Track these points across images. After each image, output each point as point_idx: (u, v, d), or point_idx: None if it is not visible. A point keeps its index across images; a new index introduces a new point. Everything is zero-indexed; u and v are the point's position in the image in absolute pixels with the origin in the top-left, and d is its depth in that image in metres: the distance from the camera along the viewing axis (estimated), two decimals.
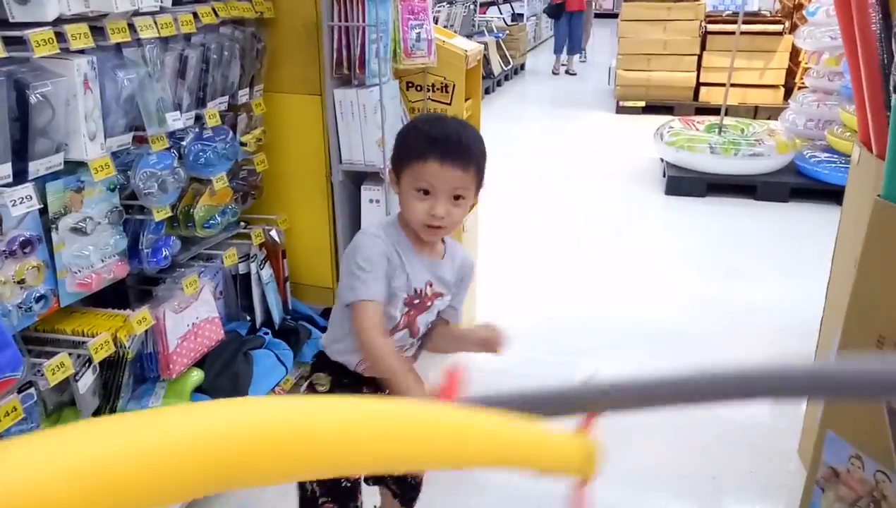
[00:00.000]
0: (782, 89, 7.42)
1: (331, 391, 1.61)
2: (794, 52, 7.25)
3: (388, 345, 1.39)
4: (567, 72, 11.06)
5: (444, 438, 0.70)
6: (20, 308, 1.61)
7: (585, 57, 12.03)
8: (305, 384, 1.67)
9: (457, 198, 1.41)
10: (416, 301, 1.50)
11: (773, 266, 4.05)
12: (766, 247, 4.35)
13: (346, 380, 1.59)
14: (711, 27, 7.59)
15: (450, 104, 2.82)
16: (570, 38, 10.82)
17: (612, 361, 2.97)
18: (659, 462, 2.43)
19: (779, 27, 7.31)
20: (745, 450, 2.50)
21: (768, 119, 6.52)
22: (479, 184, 1.46)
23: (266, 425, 0.56)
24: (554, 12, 10.87)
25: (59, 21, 1.55)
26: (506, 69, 10.06)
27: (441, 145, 1.38)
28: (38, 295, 1.64)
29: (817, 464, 1.84)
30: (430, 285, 1.51)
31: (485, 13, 11.33)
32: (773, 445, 2.52)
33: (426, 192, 1.39)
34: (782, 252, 4.26)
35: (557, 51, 11.10)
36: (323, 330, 2.76)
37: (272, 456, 0.55)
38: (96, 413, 1.96)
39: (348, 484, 1.62)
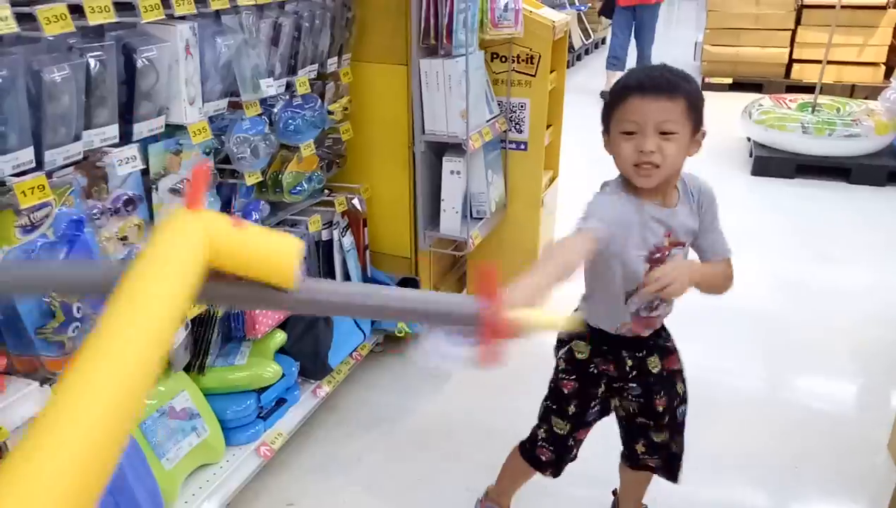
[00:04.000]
0: (883, 67, 7.02)
1: (590, 359, 1.66)
2: None
3: (549, 251, 1.39)
4: None
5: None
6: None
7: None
8: (565, 348, 1.71)
9: (665, 134, 1.35)
10: (657, 255, 1.49)
11: (866, 252, 3.87)
12: (858, 232, 4.16)
13: (605, 346, 1.64)
14: (808, 0, 7.22)
15: (534, 75, 2.79)
16: (639, 43, 7.15)
17: (693, 342, 2.92)
18: (739, 447, 2.38)
19: (882, 0, 6.90)
20: (829, 440, 2.42)
21: (865, 98, 6.18)
22: (694, 121, 1.39)
23: None
24: (609, 6, 7.47)
25: None
26: (586, 43, 9.84)
27: (642, 81, 1.36)
28: (138, 251, 1.72)
29: None
30: (668, 236, 1.49)
31: None
32: (859, 437, 2.43)
33: (631, 134, 1.37)
34: (876, 238, 4.06)
35: (612, 66, 7.22)
36: None
37: None
38: (186, 368, 2.06)
39: (572, 443, 1.75)
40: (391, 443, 2.44)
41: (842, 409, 2.62)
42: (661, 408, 1.69)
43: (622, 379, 1.67)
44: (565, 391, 1.71)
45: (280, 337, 2.34)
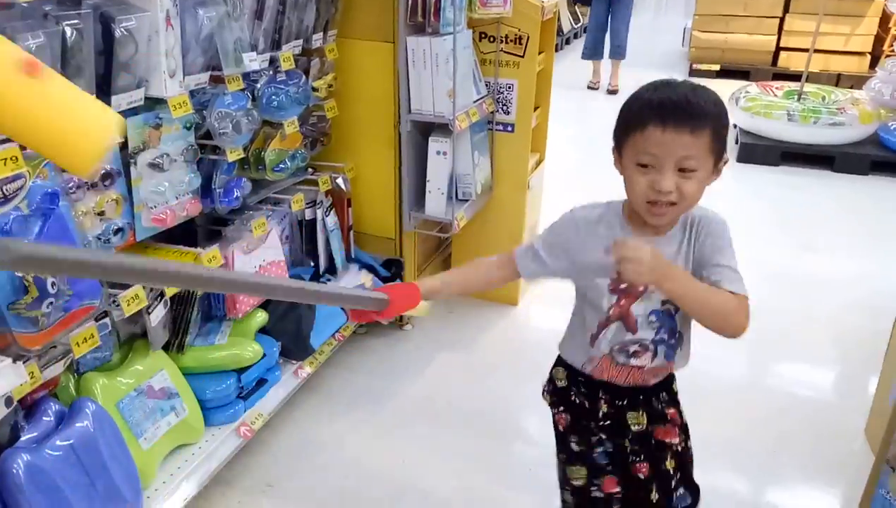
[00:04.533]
0: (868, 57, 7.05)
1: (569, 387, 1.51)
2: (885, 18, 6.86)
3: (471, 263, 1.48)
4: (609, 90, 7.04)
5: None
6: (99, 239, 1.65)
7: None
8: (547, 379, 1.57)
9: (684, 170, 1.20)
10: (622, 285, 1.32)
11: (849, 241, 3.89)
12: (842, 220, 4.19)
13: (581, 378, 1.48)
14: None
15: (522, 56, 2.76)
16: (612, 33, 6.86)
17: None
18: (717, 432, 2.38)
19: None
20: (808, 426, 2.44)
21: (851, 87, 6.20)
22: (717, 154, 1.24)
23: None
24: None
25: None
26: (575, 27, 9.80)
27: (664, 108, 1.19)
28: (115, 227, 1.68)
29: (888, 443, 1.78)
30: None
31: None
32: (838, 423, 2.45)
33: (648, 166, 1.22)
34: (860, 227, 4.09)
35: (588, 54, 7.05)
36: (384, 279, 2.78)
37: None
38: (165, 346, 2.03)
39: (599, 493, 1.50)
40: (374, 425, 2.42)
41: (822, 396, 2.64)
42: (642, 475, 1.46)
43: (593, 420, 1.48)
44: (561, 428, 1.54)
45: (261, 317, 2.31)
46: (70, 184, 1.52)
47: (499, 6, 2.56)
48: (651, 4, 14.91)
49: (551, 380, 1.56)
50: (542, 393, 1.59)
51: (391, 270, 2.85)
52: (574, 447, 1.51)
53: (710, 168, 1.25)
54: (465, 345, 2.88)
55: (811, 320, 3.08)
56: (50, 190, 1.39)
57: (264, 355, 2.24)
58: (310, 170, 2.59)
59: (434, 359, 2.76)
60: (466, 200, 2.79)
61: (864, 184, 4.75)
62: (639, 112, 1.23)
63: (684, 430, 1.50)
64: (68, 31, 1.40)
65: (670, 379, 1.50)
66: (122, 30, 1.52)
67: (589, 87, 7.20)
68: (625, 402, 1.45)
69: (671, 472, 1.45)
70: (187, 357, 2.09)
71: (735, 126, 5.42)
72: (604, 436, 1.49)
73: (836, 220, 4.19)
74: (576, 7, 9.77)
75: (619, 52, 6.92)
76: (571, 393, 1.51)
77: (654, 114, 1.20)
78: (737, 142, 5.23)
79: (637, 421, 1.45)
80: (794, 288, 3.35)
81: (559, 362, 1.54)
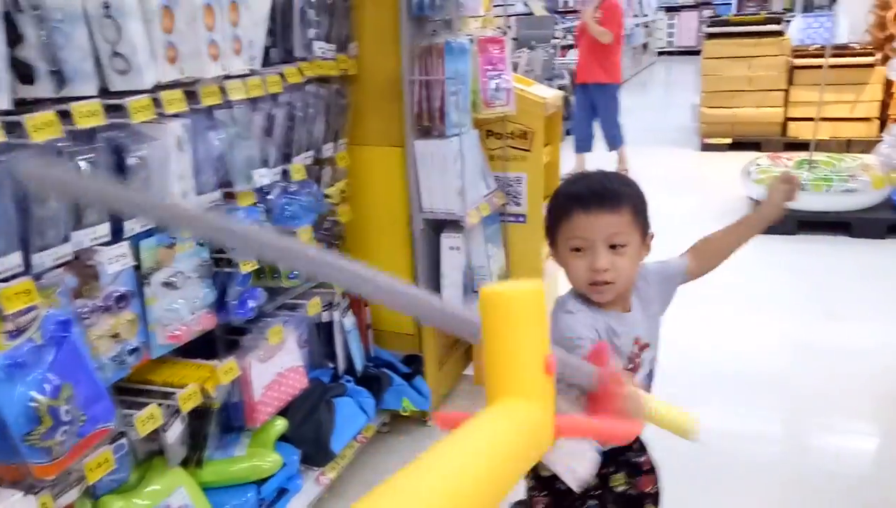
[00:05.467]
0: (877, 122, 7.09)
1: (553, 477, 1.46)
2: (889, 84, 6.93)
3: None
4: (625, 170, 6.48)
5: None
6: (114, 361, 1.66)
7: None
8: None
9: (615, 247, 1.31)
10: (630, 366, 1.41)
11: (872, 306, 3.82)
12: (863, 286, 4.12)
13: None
14: (798, 61, 7.36)
15: (529, 150, 2.82)
16: (603, 125, 6.61)
17: (706, 406, 2.86)
18: None
19: (870, 59, 7.02)
20: (846, 503, 2.34)
21: (862, 153, 6.22)
22: (642, 228, 1.36)
23: None
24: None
25: (156, 88, 1.63)
26: None
27: (584, 196, 1.32)
28: (130, 348, 1.70)
29: None
30: (637, 341, 1.41)
31: (564, 56, 11.00)
32: (876, 497, 2.35)
33: (582, 250, 1.32)
34: (881, 291, 4.02)
35: (580, 148, 6.73)
36: (404, 377, 2.76)
37: None
38: (184, 462, 2.01)
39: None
40: None
41: (861, 471, 2.54)
42: None
43: (579, 498, 1.49)
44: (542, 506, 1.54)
45: (280, 425, 2.29)
46: (84, 310, 1.55)
47: (502, 105, 2.63)
48: (661, 82, 15.25)
49: (534, 470, 1.51)
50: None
51: (411, 366, 2.83)
52: None
53: (639, 242, 1.35)
54: None
55: (843, 391, 2.99)
56: (63, 317, 1.42)
57: (284, 464, 2.21)
58: None
59: None
60: None
61: (882, 248, 4.71)
62: (564, 204, 1.35)
63: (654, 471, 1.55)
64: (83, 165, 1.46)
65: None
66: (135, 158, 1.58)
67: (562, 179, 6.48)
68: (609, 468, 1.49)
69: None
70: (206, 472, 2.07)
71: (750, 198, 5.43)
72: (591, 503, 1.51)
73: (859, 285, 4.13)
74: None
75: (613, 143, 6.67)
76: (557, 479, 1.46)
77: (577, 202, 1.32)
78: None
79: (620, 483, 1.51)
80: (823, 357, 3.28)
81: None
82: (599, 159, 6.96)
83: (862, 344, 3.39)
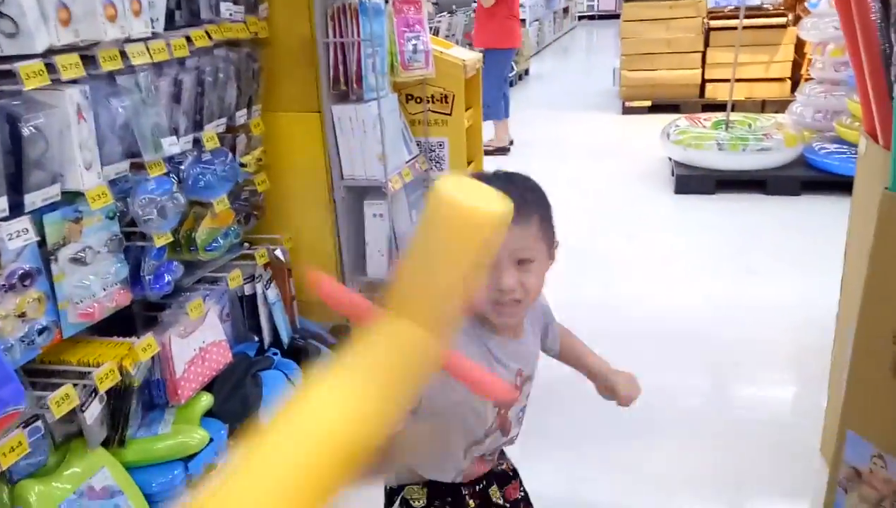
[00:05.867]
0: (789, 82, 7.35)
1: (429, 505, 1.39)
2: (800, 44, 7.18)
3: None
4: (499, 148, 6.46)
5: None
6: (22, 341, 1.60)
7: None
8: (398, 499, 1.42)
9: (522, 262, 1.16)
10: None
11: (788, 261, 3.99)
12: (779, 242, 4.30)
13: (443, 487, 1.39)
14: (714, 23, 7.54)
15: (450, 114, 2.81)
16: (483, 92, 5.16)
17: (630, 363, 2.95)
18: (680, 466, 2.39)
19: (782, 20, 7.25)
20: (767, 450, 2.45)
21: (776, 113, 6.45)
22: (548, 240, 1.21)
23: None
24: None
25: (50, 52, 1.54)
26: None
27: None
28: (39, 327, 1.63)
29: (838, 465, 1.79)
30: (521, 373, 1.29)
31: None
32: (795, 444, 2.47)
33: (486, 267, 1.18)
34: (796, 246, 4.19)
35: (485, 115, 5.22)
36: (332, 348, 2.74)
37: None
38: (106, 443, 1.95)
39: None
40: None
41: (779, 418, 2.66)
42: None
43: None
44: None
45: (206, 400, 2.25)
46: None
47: (421, 68, 2.61)
48: (583, 46, 15.41)
49: (404, 502, 1.41)
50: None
51: (339, 337, 2.81)
52: None
53: (546, 255, 1.21)
54: None
55: (760, 342, 3.12)
56: None
57: (211, 440, 2.17)
58: (246, 244, 2.57)
59: None
60: None
61: (796, 204, 4.90)
62: None
63: (518, 474, 1.52)
64: None
65: None
66: (31, 128, 1.50)
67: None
68: (483, 484, 1.42)
69: None
70: (129, 451, 2.02)
71: (670, 159, 5.57)
72: None
73: (775, 241, 4.30)
74: None
75: (487, 114, 5.56)
76: (434, 506, 1.41)
77: None
78: (673, 175, 5.36)
79: (496, 495, 1.44)
80: (738, 311, 3.40)
81: (408, 482, 1.41)
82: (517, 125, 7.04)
83: (781, 298, 3.53)
